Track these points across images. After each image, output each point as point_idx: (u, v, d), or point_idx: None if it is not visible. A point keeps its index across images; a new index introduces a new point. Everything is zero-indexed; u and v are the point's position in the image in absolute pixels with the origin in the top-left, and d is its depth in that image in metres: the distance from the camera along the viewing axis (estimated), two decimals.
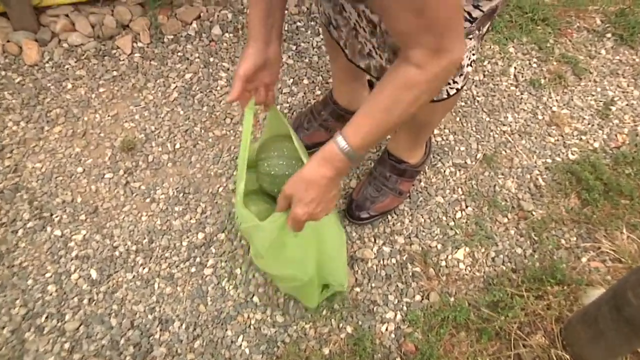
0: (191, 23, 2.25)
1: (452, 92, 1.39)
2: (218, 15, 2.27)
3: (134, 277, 1.65)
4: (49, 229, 1.72)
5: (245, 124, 1.32)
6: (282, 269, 1.42)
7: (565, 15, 2.46)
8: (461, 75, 1.36)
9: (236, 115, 2.00)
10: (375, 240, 1.76)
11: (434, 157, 1.94)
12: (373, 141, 1.09)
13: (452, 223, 1.80)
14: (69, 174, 1.83)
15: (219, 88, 2.07)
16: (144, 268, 1.67)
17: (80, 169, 1.84)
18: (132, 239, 1.72)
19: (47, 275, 1.64)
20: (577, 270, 1.71)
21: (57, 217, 1.75)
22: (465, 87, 1.43)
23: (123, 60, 2.13)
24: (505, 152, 1.99)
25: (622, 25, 2.42)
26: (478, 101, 2.11)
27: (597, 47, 2.37)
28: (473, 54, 1.33)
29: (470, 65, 1.36)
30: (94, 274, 1.65)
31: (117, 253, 1.69)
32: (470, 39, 1.25)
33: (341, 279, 1.55)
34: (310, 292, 1.53)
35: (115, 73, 2.09)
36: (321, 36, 2.25)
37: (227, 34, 2.24)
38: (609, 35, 2.41)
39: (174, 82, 2.08)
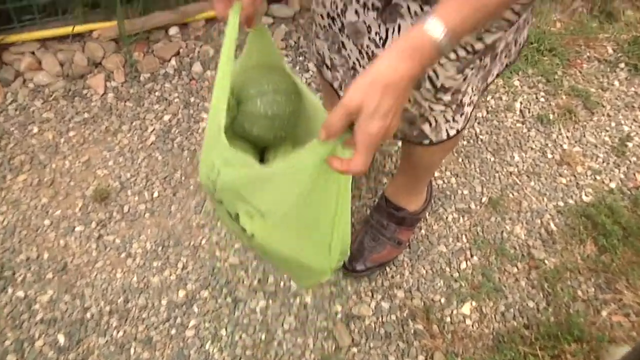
0: (170, 60, 2.30)
1: (452, 132, 1.42)
2: (199, 51, 2.32)
3: (107, 341, 1.65)
4: (10, 289, 1.72)
5: (229, 31, 1.07)
6: (298, 232, 1.13)
7: (573, 44, 2.52)
8: (461, 114, 1.39)
9: None
10: (372, 294, 1.76)
11: (435, 202, 1.97)
12: (473, 27, 0.92)
13: (456, 274, 1.82)
14: (34, 228, 1.84)
15: (200, 130, 2.10)
16: (118, 331, 1.67)
17: (47, 222, 1.85)
18: (106, 299, 1.72)
19: (7, 343, 1.64)
20: (597, 325, 1.72)
21: (20, 275, 1.75)
22: (467, 127, 1.45)
23: (95, 101, 2.16)
24: (513, 195, 2.01)
25: (636, 54, 2.48)
26: (481, 140, 2.15)
27: (610, 79, 2.42)
28: (474, 93, 1.36)
29: (470, 105, 1.39)
30: (61, 339, 1.65)
31: (88, 315, 1.69)
32: (472, 68, 1.27)
33: (347, 245, 1.25)
34: (320, 267, 1.23)
35: (86, 115, 2.12)
36: (310, 72, 2.29)
37: (208, 72, 2.28)
38: (622, 65, 2.47)
39: (152, 125, 2.11)
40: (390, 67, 0.87)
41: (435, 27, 0.87)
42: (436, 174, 2.03)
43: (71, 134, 2.06)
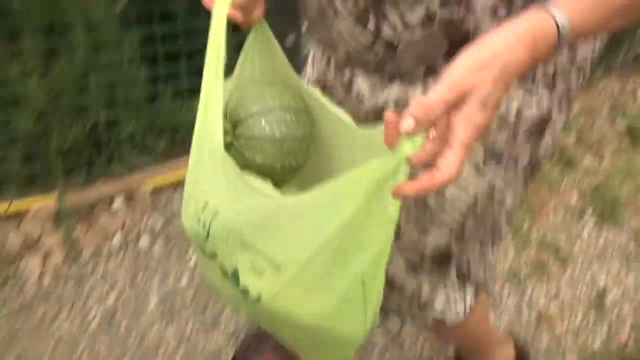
0: (114, 234, 2.27)
1: (451, 318, 1.33)
2: (145, 224, 2.30)
3: None
4: None
5: (216, 18, 0.93)
6: (327, 288, 0.88)
7: (538, 194, 2.58)
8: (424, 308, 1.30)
9: (172, 343, 1.94)
10: None
11: None
12: (593, 26, 0.81)
13: None
14: None
15: (149, 311, 2.04)
16: None
17: None
18: None
19: None
20: None
21: None
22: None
23: (30, 285, 2.09)
24: None
25: (600, 201, 2.54)
26: None
27: (578, 228, 2.47)
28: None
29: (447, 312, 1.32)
30: None
31: None
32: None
33: (379, 305, 1.00)
34: (353, 333, 0.98)
35: (19, 303, 2.04)
36: None
37: (156, 246, 2.26)
38: (589, 213, 2.52)
39: (95, 308, 2.04)
40: (509, 48, 0.73)
41: (558, 15, 0.75)
42: (406, 343, 1.98)
43: (0, 326, 1.97)
